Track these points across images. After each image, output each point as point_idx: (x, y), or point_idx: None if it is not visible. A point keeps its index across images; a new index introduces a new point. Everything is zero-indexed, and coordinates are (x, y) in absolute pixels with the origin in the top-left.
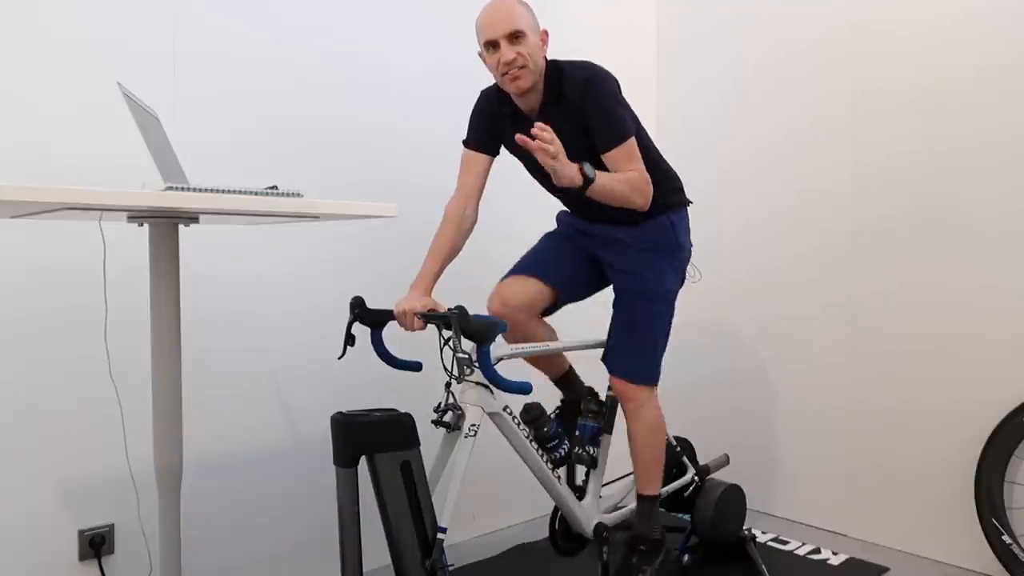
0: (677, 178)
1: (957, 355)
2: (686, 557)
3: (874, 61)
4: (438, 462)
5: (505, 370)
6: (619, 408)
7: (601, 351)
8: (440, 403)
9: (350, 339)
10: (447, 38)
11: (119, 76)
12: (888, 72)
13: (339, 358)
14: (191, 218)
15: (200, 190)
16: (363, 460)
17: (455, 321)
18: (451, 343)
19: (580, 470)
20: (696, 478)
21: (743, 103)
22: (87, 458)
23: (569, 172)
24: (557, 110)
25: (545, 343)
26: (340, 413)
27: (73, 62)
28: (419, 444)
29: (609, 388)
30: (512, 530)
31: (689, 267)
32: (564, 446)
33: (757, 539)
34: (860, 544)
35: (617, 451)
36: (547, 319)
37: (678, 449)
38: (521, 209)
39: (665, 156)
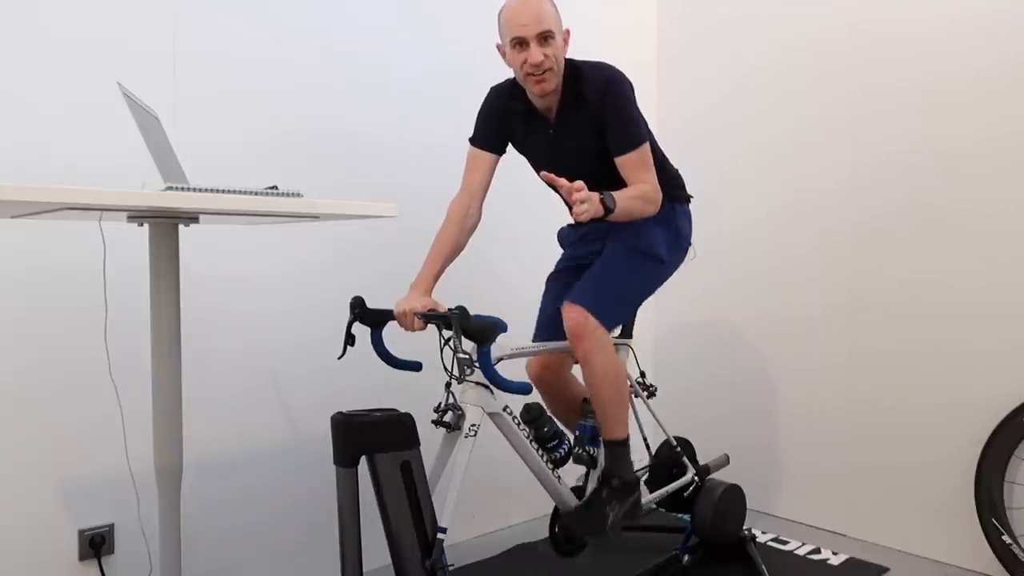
0: (679, 177)
1: (957, 354)
2: (686, 557)
3: (874, 61)
4: (438, 462)
5: (505, 370)
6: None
7: None
8: (440, 403)
9: (350, 339)
10: (447, 38)
11: (119, 76)
12: (888, 72)
13: (339, 358)
14: (191, 218)
15: (200, 190)
16: (363, 460)
17: (455, 321)
18: (451, 343)
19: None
20: (696, 478)
21: (743, 103)
22: (87, 458)
23: (594, 208)
24: (574, 111)
25: (545, 343)
26: (340, 413)
27: (73, 62)
28: (419, 444)
29: None
30: (512, 530)
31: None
32: (564, 446)
33: (757, 539)
34: (860, 544)
35: None
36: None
37: (678, 449)
38: (524, 209)
39: (665, 155)
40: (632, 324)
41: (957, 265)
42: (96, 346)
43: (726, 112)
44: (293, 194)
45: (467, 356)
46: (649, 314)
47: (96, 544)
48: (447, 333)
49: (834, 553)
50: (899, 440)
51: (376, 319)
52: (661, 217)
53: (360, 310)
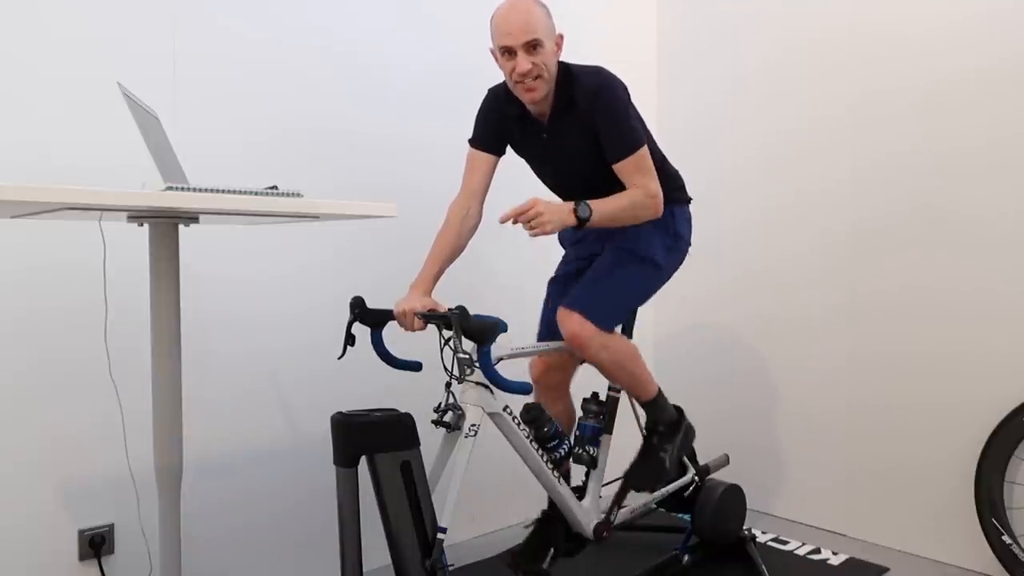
0: (679, 177)
1: (957, 355)
2: (686, 557)
3: (873, 62)
4: (438, 462)
5: (505, 370)
6: (618, 409)
7: None
8: (440, 403)
9: (350, 339)
10: (447, 38)
11: (119, 76)
12: (887, 72)
13: (339, 358)
14: (191, 218)
15: (200, 190)
16: (363, 460)
17: (455, 321)
18: (451, 343)
19: (580, 470)
20: (696, 478)
21: (743, 103)
22: (87, 458)
23: (559, 218)
24: (567, 117)
25: (546, 343)
26: (340, 413)
27: (73, 62)
28: (419, 444)
29: (609, 388)
30: (512, 530)
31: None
32: (564, 446)
33: (757, 539)
34: (860, 544)
35: (617, 451)
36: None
37: None
38: None
39: (665, 156)
40: (632, 325)
41: (957, 265)
42: (96, 346)
43: (726, 112)
44: (293, 194)
45: (467, 356)
46: (649, 314)
47: (96, 544)
48: (447, 333)
49: (834, 553)
50: (899, 440)
51: (376, 319)
52: (659, 221)
53: (360, 310)
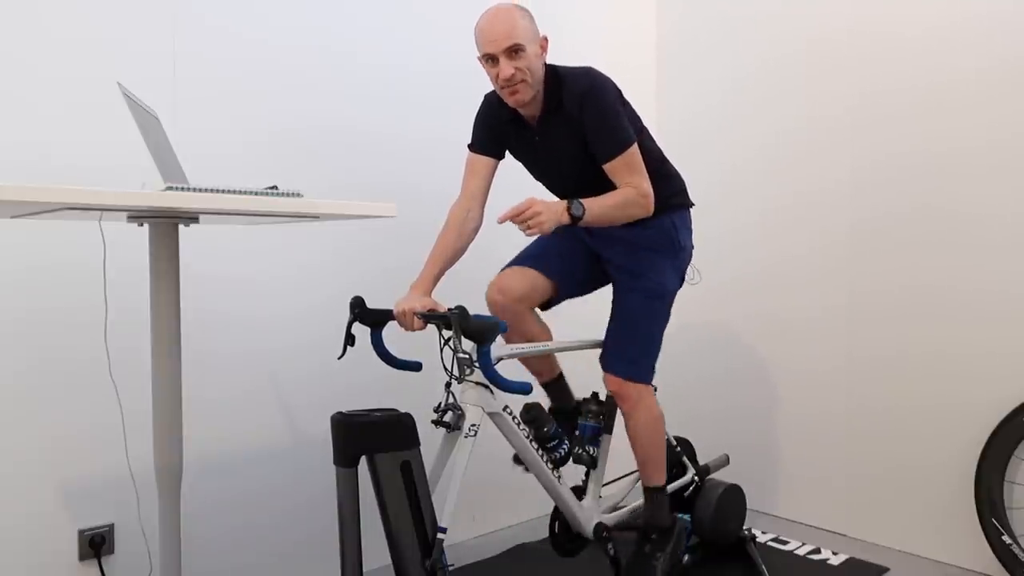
0: (680, 179)
1: (956, 355)
2: (686, 557)
3: (873, 62)
4: (438, 462)
5: (505, 370)
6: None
7: (599, 351)
8: (440, 403)
9: (350, 339)
10: (445, 39)
11: (119, 76)
12: (887, 73)
13: (339, 358)
14: (191, 218)
15: (200, 190)
16: (363, 460)
17: (455, 321)
18: (451, 343)
19: (580, 470)
20: (696, 478)
21: (743, 104)
22: (87, 458)
23: (555, 217)
24: (556, 118)
25: (545, 343)
26: (340, 413)
27: (73, 62)
28: (419, 444)
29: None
30: (512, 530)
31: (689, 268)
32: (564, 446)
33: (757, 539)
34: (860, 544)
35: (617, 451)
36: (544, 317)
37: (678, 449)
38: None
39: (666, 157)
40: None
41: (956, 266)
42: (96, 346)
43: (725, 113)
44: (293, 194)
45: (467, 356)
46: None
47: (96, 544)
48: (447, 333)
49: (834, 553)
50: (899, 440)
51: (376, 319)
52: (663, 242)
53: (360, 310)
